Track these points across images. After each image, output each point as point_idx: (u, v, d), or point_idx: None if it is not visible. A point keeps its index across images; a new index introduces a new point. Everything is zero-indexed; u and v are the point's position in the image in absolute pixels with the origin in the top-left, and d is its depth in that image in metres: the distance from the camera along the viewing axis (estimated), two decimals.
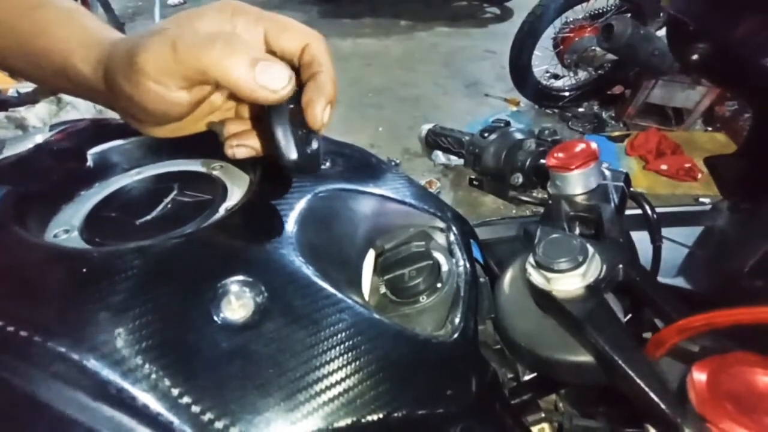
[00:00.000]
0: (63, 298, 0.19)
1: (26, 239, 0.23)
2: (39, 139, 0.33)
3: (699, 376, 0.18)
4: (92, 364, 0.17)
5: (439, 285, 0.30)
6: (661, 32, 1.70)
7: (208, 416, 0.18)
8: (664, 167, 1.70)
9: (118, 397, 0.17)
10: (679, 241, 0.54)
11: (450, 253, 0.33)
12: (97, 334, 0.18)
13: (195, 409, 0.18)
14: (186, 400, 0.18)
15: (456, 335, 0.27)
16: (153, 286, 0.20)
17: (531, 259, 0.29)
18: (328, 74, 0.25)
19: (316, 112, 0.24)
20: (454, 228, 0.35)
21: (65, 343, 0.17)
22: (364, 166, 0.37)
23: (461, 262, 0.32)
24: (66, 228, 0.26)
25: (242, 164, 0.31)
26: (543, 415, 0.34)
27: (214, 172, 0.31)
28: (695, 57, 0.39)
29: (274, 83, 0.22)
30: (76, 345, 0.17)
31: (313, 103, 0.24)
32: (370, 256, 0.32)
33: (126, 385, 0.17)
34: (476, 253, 0.37)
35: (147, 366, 0.18)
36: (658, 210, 0.41)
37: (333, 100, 0.25)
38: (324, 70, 0.25)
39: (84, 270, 0.20)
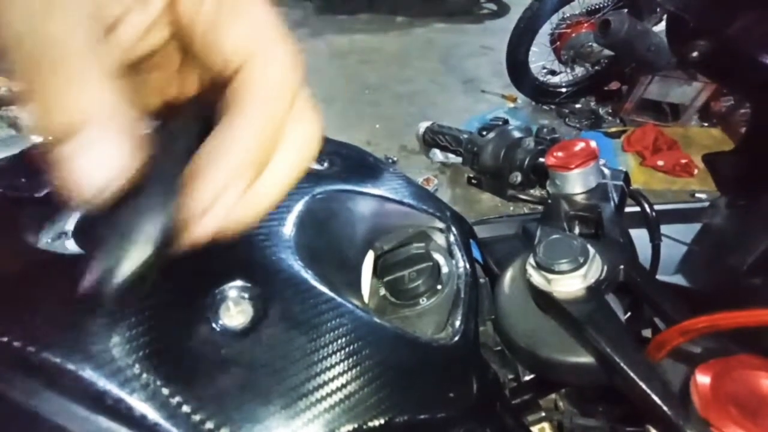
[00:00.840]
0: (57, 306, 0.19)
1: (19, 245, 0.22)
2: (33, 140, 0.32)
3: (702, 379, 0.18)
4: (88, 374, 0.17)
5: (439, 287, 0.30)
6: (658, 28, 1.70)
7: (208, 425, 0.18)
8: (660, 163, 1.70)
9: (114, 407, 0.17)
10: (677, 238, 0.54)
11: (450, 253, 0.33)
12: (92, 343, 0.17)
13: (195, 418, 0.18)
14: (185, 409, 0.18)
15: (457, 338, 0.26)
16: (149, 294, 0.20)
17: (531, 260, 0.28)
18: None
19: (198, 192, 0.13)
20: (453, 228, 0.35)
21: (60, 353, 0.17)
22: (361, 166, 0.37)
23: (461, 263, 0.32)
24: (60, 233, 0.25)
25: None
26: (543, 414, 0.34)
27: None
28: (695, 54, 0.39)
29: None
30: (72, 355, 0.17)
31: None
32: (370, 257, 0.32)
33: (123, 395, 0.17)
34: (476, 253, 0.37)
35: (144, 375, 0.18)
36: (656, 207, 0.41)
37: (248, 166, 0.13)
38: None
39: (78, 277, 0.20)
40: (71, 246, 0.24)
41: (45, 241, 0.24)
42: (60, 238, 0.25)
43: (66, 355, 0.17)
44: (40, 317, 0.18)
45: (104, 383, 0.17)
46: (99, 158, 0.11)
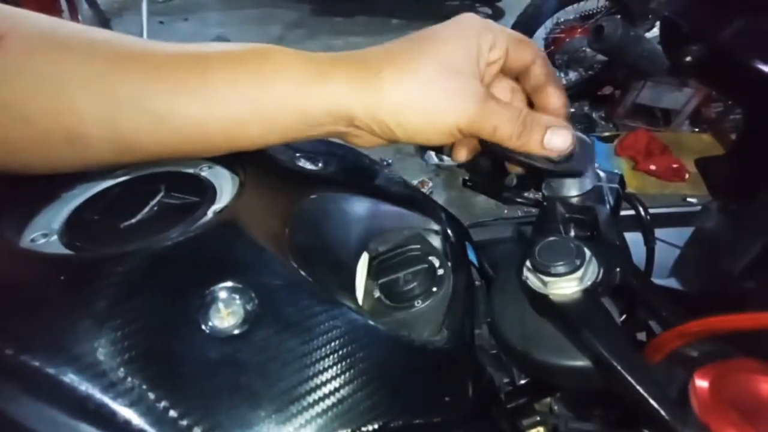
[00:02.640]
0: (39, 307, 0.18)
1: (0, 244, 0.22)
2: None
3: (701, 383, 0.18)
4: (69, 378, 0.16)
5: (434, 289, 0.29)
6: (650, 34, 1.72)
7: (195, 431, 0.17)
8: (652, 167, 1.72)
9: (97, 412, 0.16)
10: (670, 241, 0.54)
11: (445, 255, 0.33)
12: (75, 345, 0.17)
13: (182, 423, 0.17)
14: (172, 413, 0.17)
15: (452, 341, 0.26)
16: (137, 294, 0.19)
17: (527, 263, 0.28)
18: (559, 91, 0.29)
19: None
20: (448, 230, 0.35)
21: (40, 357, 0.16)
22: (356, 167, 0.37)
23: (456, 265, 0.32)
24: (44, 232, 0.24)
25: (231, 165, 0.30)
26: (538, 418, 0.34)
27: (203, 173, 0.30)
28: (688, 59, 0.39)
29: (562, 145, 0.26)
30: (52, 358, 0.16)
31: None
32: (364, 259, 0.31)
33: (106, 399, 0.16)
34: (471, 256, 0.36)
35: (129, 379, 0.17)
36: (649, 211, 0.41)
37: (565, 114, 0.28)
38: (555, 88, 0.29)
39: (62, 277, 0.19)
40: (56, 245, 0.24)
41: (28, 239, 0.24)
42: (45, 237, 0.24)
43: (46, 359, 0.16)
44: (19, 319, 0.17)
45: (86, 387, 0.16)
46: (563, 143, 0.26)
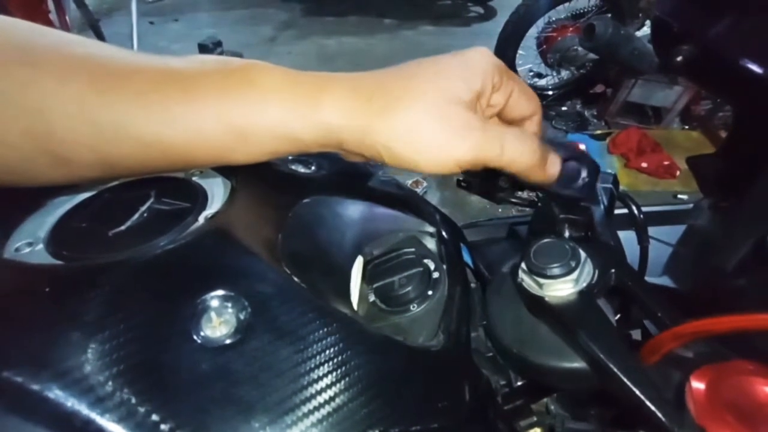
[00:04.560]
0: (22, 320, 0.17)
1: None
2: None
3: (698, 385, 0.18)
4: (54, 394, 0.16)
5: (429, 292, 0.29)
6: (640, 33, 1.73)
7: None
8: (644, 165, 1.74)
9: (84, 429, 0.15)
10: (662, 239, 0.54)
11: (440, 258, 0.33)
12: (60, 360, 0.16)
13: None
14: (163, 428, 0.17)
15: (449, 344, 0.26)
16: (126, 305, 0.19)
17: (523, 264, 0.28)
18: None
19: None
20: (443, 232, 0.35)
21: (23, 373, 0.16)
22: (349, 170, 0.36)
23: (452, 268, 0.32)
24: (29, 241, 0.24)
25: (223, 169, 0.30)
26: (535, 419, 0.34)
27: (194, 178, 0.30)
28: (679, 58, 0.40)
29: (554, 171, 0.27)
30: (36, 374, 0.16)
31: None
32: (359, 263, 0.31)
33: (93, 415, 0.16)
34: (466, 257, 0.36)
35: (118, 393, 0.16)
36: (642, 209, 0.41)
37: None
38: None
39: (48, 288, 0.19)
40: (42, 254, 0.23)
41: (12, 249, 0.23)
42: (30, 246, 0.24)
43: (30, 375, 0.16)
44: (2, 333, 0.17)
45: (73, 403, 0.16)
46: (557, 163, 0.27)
